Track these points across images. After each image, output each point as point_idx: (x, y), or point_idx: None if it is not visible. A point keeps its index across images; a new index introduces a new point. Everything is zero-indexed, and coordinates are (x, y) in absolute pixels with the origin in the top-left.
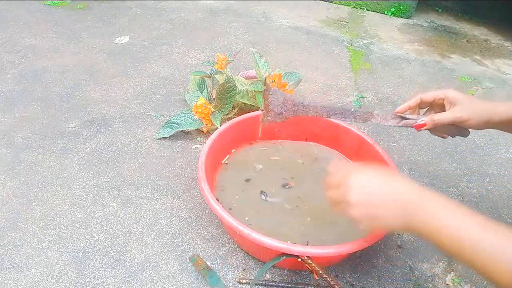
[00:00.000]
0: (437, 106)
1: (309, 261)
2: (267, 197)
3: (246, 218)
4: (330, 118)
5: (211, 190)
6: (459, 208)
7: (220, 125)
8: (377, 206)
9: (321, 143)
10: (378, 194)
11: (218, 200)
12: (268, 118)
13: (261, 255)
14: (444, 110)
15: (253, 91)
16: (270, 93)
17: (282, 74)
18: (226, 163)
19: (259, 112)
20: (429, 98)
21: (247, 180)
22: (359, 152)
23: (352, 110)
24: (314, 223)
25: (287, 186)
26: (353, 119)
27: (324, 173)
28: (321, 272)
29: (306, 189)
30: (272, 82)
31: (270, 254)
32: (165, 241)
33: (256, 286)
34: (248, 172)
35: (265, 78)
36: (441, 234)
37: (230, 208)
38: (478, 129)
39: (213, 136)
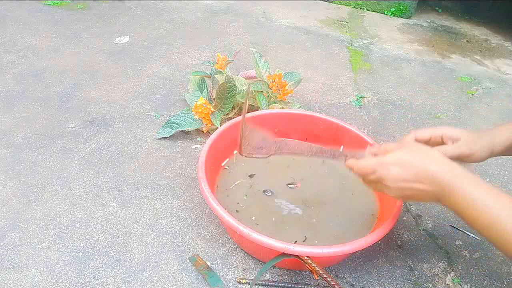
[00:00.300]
0: (434, 144)
1: (309, 261)
2: (272, 194)
3: (253, 218)
4: (317, 156)
5: (211, 190)
6: (489, 187)
7: (220, 125)
8: (413, 189)
9: (321, 144)
10: (413, 178)
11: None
12: (248, 151)
13: (261, 255)
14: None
15: (253, 91)
16: (247, 132)
17: (282, 74)
18: (226, 168)
19: (260, 112)
20: (425, 137)
21: (251, 179)
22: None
23: (341, 150)
24: (320, 223)
25: (293, 186)
26: (341, 158)
27: (332, 176)
28: (321, 272)
29: (312, 190)
30: (272, 82)
31: (270, 254)
32: (165, 241)
33: (256, 286)
34: (251, 172)
35: (243, 118)
36: (472, 212)
37: (237, 211)
38: (482, 161)
39: (213, 136)
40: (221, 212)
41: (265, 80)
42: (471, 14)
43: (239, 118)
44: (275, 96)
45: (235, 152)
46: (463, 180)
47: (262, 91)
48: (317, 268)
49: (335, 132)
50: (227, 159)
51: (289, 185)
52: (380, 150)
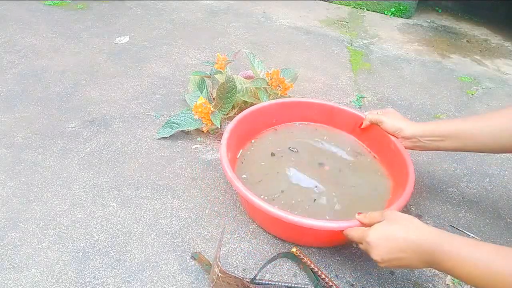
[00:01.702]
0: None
1: (305, 259)
2: (297, 151)
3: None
4: None
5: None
6: (468, 241)
7: (220, 125)
8: (398, 259)
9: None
10: (395, 250)
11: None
12: None
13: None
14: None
15: (254, 88)
16: (216, 277)
17: (280, 70)
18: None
19: (254, 107)
20: (374, 111)
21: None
22: (355, 128)
23: None
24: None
25: (322, 165)
26: None
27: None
28: (316, 270)
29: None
30: (271, 79)
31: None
32: (165, 241)
33: (256, 286)
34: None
35: (214, 270)
36: (463, 270)
37: (273, 199)
38: (406, 146)
39: (237, 118)
40: (266, 206)
41: (264, 78)
42: (471, 14)
43: (259, 105)
44: (274, 93)
45: (253, 141)
46: (444, 242)
47: (265, 88)
48: (308, 262)
49: (330, 114)
50: (241, 150)
51: (320, 165)
52: (366, 219)
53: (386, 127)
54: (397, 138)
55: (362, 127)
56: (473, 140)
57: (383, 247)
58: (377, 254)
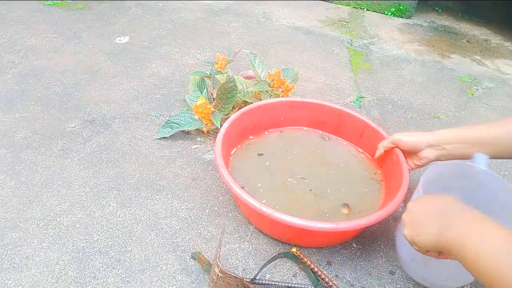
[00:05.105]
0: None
1: (304, 258)
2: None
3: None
4: None
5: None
6: (493, 225)
7: (220, 125)
8: (420, 224)
9: (326, 130)
10: (421, 213)
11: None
12: None
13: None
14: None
15: (256, 92)
16: (217, 277)
17: (281, 71)
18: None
19: (266, 101)
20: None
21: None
22: (363, 136)
23: None
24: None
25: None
26: None
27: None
28: (316, 270)
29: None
30: (272, 80)
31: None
32: (165, 241)
33: (256, 286)
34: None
35: (217, 272)
36: (471, 250)
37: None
38: (429, 156)
39: (227, 123)
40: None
41: (266, 80)
42: (471, 14)
43: (252, 105)
44: (276, 94)
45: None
46: (464, 218)
47: (267, 90)
48: (308, 262)
49: (338, 118)
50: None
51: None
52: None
53: (407, 141)
54: (419, 151)
55: (375, 157)
56: (503, 147)
57: (417, 204)
58: (406, 232)
